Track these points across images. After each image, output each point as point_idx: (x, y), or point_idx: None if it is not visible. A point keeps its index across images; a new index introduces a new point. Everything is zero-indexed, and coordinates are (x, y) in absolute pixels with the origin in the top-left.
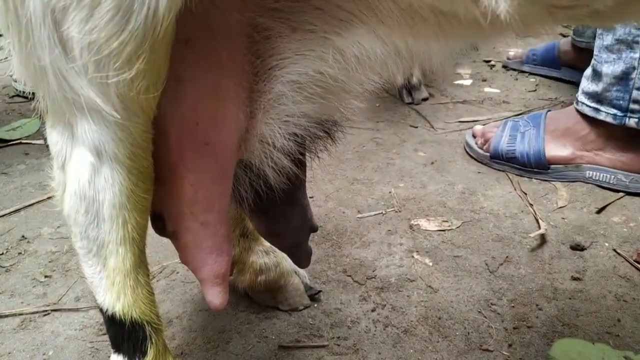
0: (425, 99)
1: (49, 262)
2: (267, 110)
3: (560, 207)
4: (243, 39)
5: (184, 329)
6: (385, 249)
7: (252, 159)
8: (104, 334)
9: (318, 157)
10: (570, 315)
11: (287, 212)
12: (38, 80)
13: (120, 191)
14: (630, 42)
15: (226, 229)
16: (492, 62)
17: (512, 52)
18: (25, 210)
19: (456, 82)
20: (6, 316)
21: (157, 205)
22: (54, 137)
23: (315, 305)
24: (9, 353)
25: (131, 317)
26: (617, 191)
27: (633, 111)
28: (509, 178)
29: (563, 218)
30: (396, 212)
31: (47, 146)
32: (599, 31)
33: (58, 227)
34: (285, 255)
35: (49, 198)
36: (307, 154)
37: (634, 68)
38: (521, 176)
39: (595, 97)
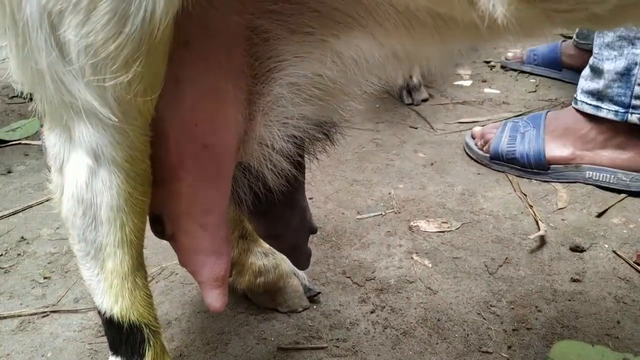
0: (425, 100)
1: (48, 263)
2: (266, 112)
3: (560, 209)
4: (242, 41)
5: (183, 331)
6: (385, 250)
7: (251, 161)
8: (103, 336)
9: (317, 158)
10: (569, 317)
11: (286, 214)
12: (35, 84)
13: (117, 194)
14: (632, 39)
15: (225, 231)
16: (492, 63)
17: (510, 53)
18: (24, 212)
19: (456, 83)
20: (5, 318)
21: (156, 207)
22: (52, 140)
23: (315, 306)
24: (8, 355)
25: (129, 320)
26: (618, 191)
27: (635, 107)
28: (509, 179)
29: (563, 219)
30: (396, 213)
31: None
32: None
33: (57, 228)
34: (284, 257)
35: (48, 199)
36: (305, 156)
37: (635, 64)
38: (521, 177)
39: (595, 94)
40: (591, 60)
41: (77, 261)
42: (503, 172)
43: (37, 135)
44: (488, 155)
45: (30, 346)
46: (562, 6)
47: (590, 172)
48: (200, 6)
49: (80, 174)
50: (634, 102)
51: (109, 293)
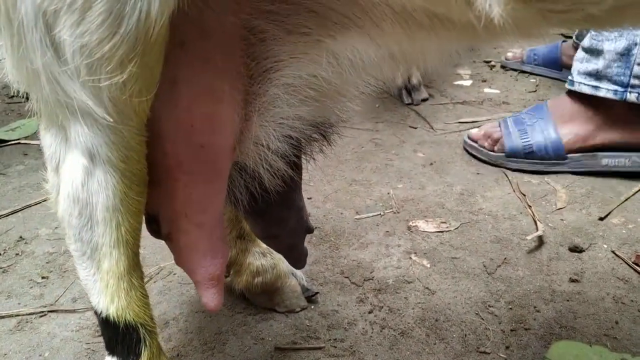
0: (424, 100)
1: (46, 263)
2: (262, 112)
3: (559, 209)
4: (238, 41)
5: (181, 331)
6: (383, 250)
7: (247, 161)
8: (100, 336)
9: (314, 159)
10: (568, 317)
11: (283, 214)
12: (31, 83)
13: (113, 194)
14: None
15: (221, 231)
16: (492, 63)
17: (510, 53)
18: (23, 211)
19: (456, 83)
20: (2, 317)
21: (152, 207)
22: (48, 140)
23: (312, 307)
24: (5, 354)
25: (125, 320)
26: (632, 174)
27: (633, 86)
28: (508, 179)
29: (562, 220)
30: (394, 213)
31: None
32: None
33: (56, 228)
34: (282, 257)
35: (46, 199)
36: (302, 156)
37: (635, 44)
38: (539, 172)
39: (594, 75)
40: (587, 42)
41: (74, 261)
42: (520, 170)
43: (36, 135)
44: (503, 154)
45: (27, 346)
46: (558, 7)
47: (607, 160)
48: (196, 6)
49: (76, 174)
50: (633, 81)
51: (105, 293)
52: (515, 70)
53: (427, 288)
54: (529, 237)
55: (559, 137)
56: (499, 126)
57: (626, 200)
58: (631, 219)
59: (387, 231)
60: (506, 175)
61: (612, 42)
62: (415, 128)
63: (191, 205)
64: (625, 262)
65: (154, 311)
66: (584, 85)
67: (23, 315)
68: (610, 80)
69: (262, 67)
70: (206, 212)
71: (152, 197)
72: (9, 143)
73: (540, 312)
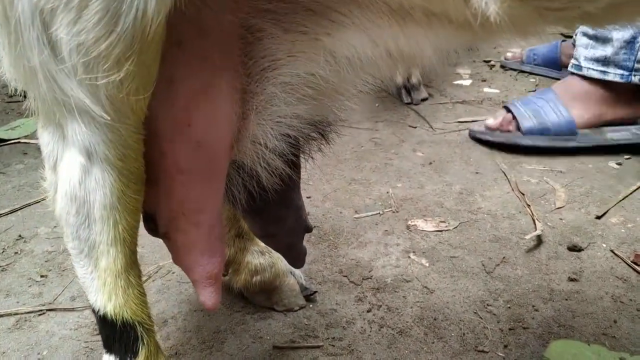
0: (424, 99)
1: (45, 261)
2: (260, 111)
3: (558, 208)
4: (235, 40)
5: (179, 329)
6: (382, 249)
7: (244, 160)
8: (99, 334)
9: (312, 158)
10: (566, 316)
11: (281, 213)
12: (28, 82)
13: (111, 192)
14: None
15: (219, 230)
16: (492, 63)
17: (510, 53)
18: (22, 210)
19: (455, 82)
20: (1, 316)
21: (149, 206)
22: (45, 138)
23: (311, 305)
24: (3, 353)
25: (122, 318)
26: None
27: (637, 70)
28: (507, 179)
29: (561, 219)
30: (393, 212)
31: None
32: None
33: (55, 227)
34: (280, 256)
35: (46, 198)
36: (301, 155)
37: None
38: (547, 153)
39: (602, 61)
40: (591, 30)
41: (72, 259)
42: (535, 145)
43: (35, 134)
44: (519, 132)
45: (26, 344)
46: (555, 4)
47: (611, 134)
48: (193, 5)
49: (74, 172)
50: (637, 65)
51: (102, 291)
52: (514, 70)
53: (425, 287)
54: (527, 237)
55: (571, 115)
56: (509, 111)
57: (624, 198)
58: (630, 218)
59: (386, 230)
60: (505, 175)
61: (619, 31)
62: (415, 127)
63: (188, 204)
64: (624, 261)
65: (153, 310)
66: (592, 71)
67: (22, 313)
68: (618, 65)
69: (259, 65)
70: (204, 211)
71: (150, 196)
72: (9, 142)
73: (539, 311)
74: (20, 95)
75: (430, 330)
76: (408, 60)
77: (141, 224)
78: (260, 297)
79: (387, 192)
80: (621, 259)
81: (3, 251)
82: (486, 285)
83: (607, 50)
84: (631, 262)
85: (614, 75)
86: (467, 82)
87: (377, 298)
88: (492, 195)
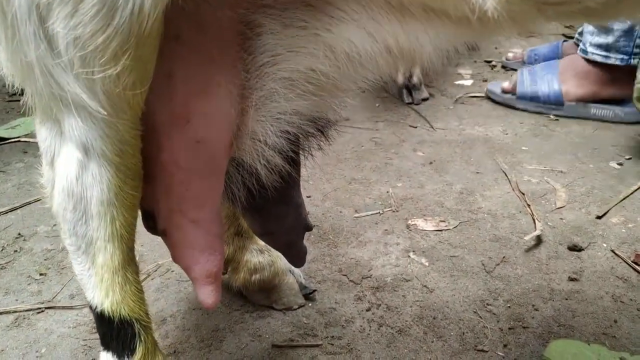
0: (425, 99)
1: (45, 260)
2: (259, 107)
3: (559, 208)
4: (235, 35)
5: (178, 328)
6: (382, 248)
7: (244, 157)
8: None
9: (312, 155)
10: (566, 316)
11: (281, 211)
12: (25, 77)
13: (108, 188)
14: None
15: (218, 227)
16: (493, 63)
17: (511, 53)
18: (22, 209)
19: (457, 82)
20: (0, 313)
21: (148, 203)
22: (43, 134)
23: (310, 304)
24: (2, 350)
25: (120, 315)
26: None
27: (635, 54)
28: (508, 178)
29: (561, 218)
30: (393, 211)
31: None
32: None
33: (54, 225)
34: (280, 254)
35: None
36: (300, 152)
37: (637, 24)
38: (540, 113)
39: (604, 47)
40: None
41: (69, 256)
42: (525, 110)
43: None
44: (514, 96)
45: (24, 342)
46: None
47: (595, 110)
48: (193, 0)
49: (71, 168)
50: (636, 50)
51: (99, 287)
52: (516, 70)
53: (425, 286)
54: (527, 237)
55: (560, 89)
56: (519, 75)
57: (625, 198)
58: (631, 218)
59: (386, 229)
60: (505, 174)
61: (619, 22)
62: (415, 127)
63: (187, 201)
64: (625, 261)
65: (152, 308)
66: (596, 55)
67: (21, 311)
68: (618, 51)
69: (258, 61)
70: (202, 208)
71: (148, 193)
72: (9, 141)
73: (539, 310)
74: (18, 94)
75: (430, 329)
76: (407, 56)
77: (140, 221)
78: (260, 296)
79: (387, 192)
80: (622, 258)
81: (2, 249)
82: (486, 284)
83: (608, 39)
84: (632, 262)
85: (614, 59)
86: (469, 82)
87: (377, 297)
88: (493, 195)
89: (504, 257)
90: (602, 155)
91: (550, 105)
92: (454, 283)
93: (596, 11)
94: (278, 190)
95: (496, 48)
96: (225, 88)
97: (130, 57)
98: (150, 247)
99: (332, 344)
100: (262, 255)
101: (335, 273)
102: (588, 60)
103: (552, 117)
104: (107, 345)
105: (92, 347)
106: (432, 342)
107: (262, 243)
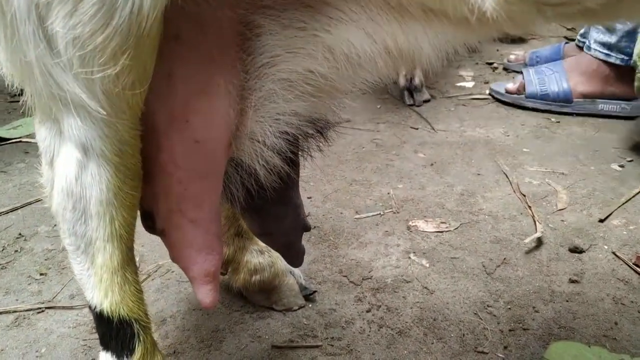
0: (426, 101)
1: (45, 260)
2: (258, 108)
3: (560, 210)
4: (234, 36)
5: (178, 328)
6: (382, 249)
7: (242, 157)
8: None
9: (311, 156)
10: (567, 317)
11: (280, 211)
12: (24, 76)
13: (107, 188)
14: None
15: (216, 227)
16: (495, 65)
17: (512, 55)
18: (23, 209)
19: (458, 84)
20: (0, 313)
21: (147, 203)
22: (42, 134)
23: (310, 305)
24: (2, 350)
25: (119, 315)
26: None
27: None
28: (509, 180)
29: (562, 220)
30: (394, 213)
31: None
32: None
33: (55, 225)
34: (280, 255)
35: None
36: (299, 153)
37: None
38: (550, 111)
39: (607, 45)
40: None
41: (69, 255)
42: (534, 109)
43: None
44: (523, 95)
45: (24, 342)
46: (554, 0)
47: (602, 105)
48: (192, 1)
49: (70, 168)
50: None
51: (98, 287)
52: (517, 72)
53: (425, 288)
54: (527, 239)
55: (569, 87)
56: (523, 78)
57: (627, 201)
58: (632, 220)
59: (387, 231)
60: (506, 176)
61: (620, 23)
62: (417, 129)
63: (186, 201)
64: (626, 263)
65: (152, 308)
66: (599, 52)
67: (21, 311)
68: (620, 51)
69: (258, 62)
70: (201, 208)
71: (147, 193)
72: (11, 141)
73: (539, 312)
74: (18, 94)
75: (430, 330)
76: (406, 57)
77: (139, 222)
78: (260, 297)
79: (388, 193)
80: (623, 260)
81: (3, 249)
82: (486, 286)
83: (612, 38)
84: (633, 264)
85: (615, 58)
86: (470, 84)
87: (377, 298)
88: (494, 197)
89: (504, 258)
90: (603, 157)
91: (559, 103)
92: (455, 284)
93: (595, 12)
94: (277, 191)
95: (497, 50)
96: (224, 88)
97: (130, 57)
98: (150, 247)
99: (332, 345)
100: (262, 256)
101: (336, 274)
102: (592, 57)
103: (553, 119)
104: (106, 345)
105: (92, 347)
106: (432, 343)
107: (262, 244)
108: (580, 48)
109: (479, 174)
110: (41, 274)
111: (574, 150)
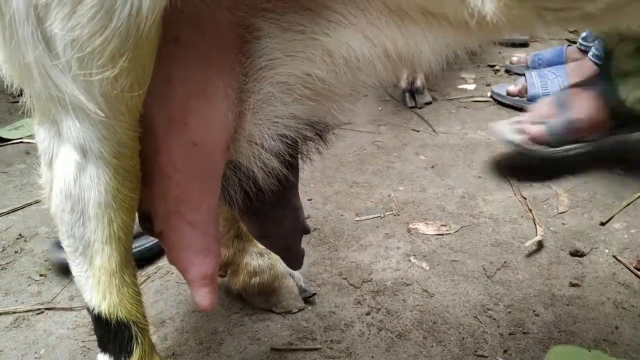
0: (428, 103)
1: (45, 261)
2: (256, 110)
3: (561, 213)
4: (233, 38)
5: (177, 330)
6: (382, 252)
7: (241, 160)
8: None
9: (310, 159)
10: (567, 321)
11: (278, 214)
12: (23, 78)
13: (105, 190)
14: None
15: (215, 230)
16: (497, 67)
17: (515, 57)
18: (23, 210)
19: (460, 87)
20: (0, 314)
21: (146, 205)
22: (41, 135)
23: (310, 308)
24: (1, 351)
25: (117, 317)
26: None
27: None
28: (510, 183)
29: (563, 224)
30: (395, 215)
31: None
32: None
33: (55, 226)
34: (280, 258)
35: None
36: (298, 156)
37: None
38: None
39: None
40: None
41: (67, 257)
42: None
43: None
44: (525, 98)
45: (23, 343)
46: (554, 4)
47: None
48: (192, 3)
49: (69, 170)
50: None
51: (97, 289)
52: (519, 74)
53: (425, 291)
54: (528, 242)
55: None
56: (525, 80)
57: (628, 205)
58: (633, 224)
59: (387, 233)
60: (507, 179)
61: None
62: (418, 131)
63: (184, 203)
64: (627, 267)
65: (151, 310)
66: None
67: (20, 312)
68: None
69: (256, 64)
70: (199, 211)
71: (146, 195)
72: (12, 142)
73: (540, 316)
74: (17, 95)
75: (430, 334)
76: (406, 61)
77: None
78: (259, 299)
79: (389, 195)
80: (624, 264)
81: (3, 250)
82: (487, 289)
83: None
84: (634, 267)
85: None
86: (472, 87)
87: (377, 301)
88: (494, 200)
89: (505, 262)
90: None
91: None
92: (455, 288)
93: (595, 17)
94: (275, 194)
95: (500, 52)
96: (223, 91)
97: (128, 60)
98: None
99: (331, 348)
100: (261, 258)
101: (336, 277)
102: (594, 64)
103: None
104: (104, 347)
105: (91, 349)
106: (432, 347)
107: (261, 246)
108: (582, 51)
109: (480, 177)
110: (41, 275)
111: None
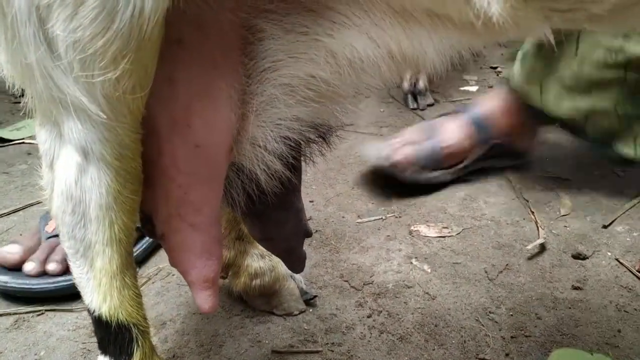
0: (430, 105)
1: None
2: (259, 112)
3: (563, 215)
4: (236, 40)
5: (177, 332)
6: (384, 254)
7: (244, 162)
8: None
9: (313, 161)
10: (569, 325)
11: (281, 217)
12: (25, 79)
13: (107, 192)
14: None
15: (216, 232)
16: (499, 69)
17: None
18: (24, 210)
19: (462, 88)
20: (0, 315)
21: (147, 207)
22: (43, 136)
23: (311, 310)
24: (1, 353)
25: (117, 319)
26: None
27: None
28: (512, 185)
29: (565, 226)
30: (396, 217)
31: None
32: None
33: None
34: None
35: None
36: (301, 158)
37: None
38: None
39: None
40: None
41: (68, 259)
42: None
43: None
44: None
45: (23, 344)
46: (560, 5)
47: None
48: (194, 4)
49: (70, 171)
50: None
51: (97, 291)
52: None
53: (427, 293)
54: (529, 247)
55: None
56: None
57: (631, 208)
58: (636, 226)
59: (388, 235)
60: (510, 181)
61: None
62: None
63: (186, 205)
64: (629, 270)
65: (151, 312)
66: None
67: (20, 313)
68: None
69: (259, 66)
70: (201, 213)
71: (147, 197)
72: (13, 142)
73: (542, 319)
74: (21, 96)
75: (431, 336)
76: (410, 62)
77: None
78: (260, 301)
79: (390, 197)
80: (626, 267)
81: None
82: (488, 292)
83: None
84: (636, 270)
85: None
86: (474, 88)
87: (378, 303)
88: (496, 202)
89: (507, 264)
90: (607, 163)
91: None
92: (456, 290)
93: (602, 18)
94: (278, 196)
95: (502, 54)
96: (226, 92)
97: (130, 61)
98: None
99: (332, 351)
100: (263, 260)
101: (337, 279)
102: None
103: (556, 124)
104: (104, 349)
105: (91, 350)
106: (433, 349)
107: (263, 248)
108: None
109: (481, 179)
110: None
111: (577, 155)
